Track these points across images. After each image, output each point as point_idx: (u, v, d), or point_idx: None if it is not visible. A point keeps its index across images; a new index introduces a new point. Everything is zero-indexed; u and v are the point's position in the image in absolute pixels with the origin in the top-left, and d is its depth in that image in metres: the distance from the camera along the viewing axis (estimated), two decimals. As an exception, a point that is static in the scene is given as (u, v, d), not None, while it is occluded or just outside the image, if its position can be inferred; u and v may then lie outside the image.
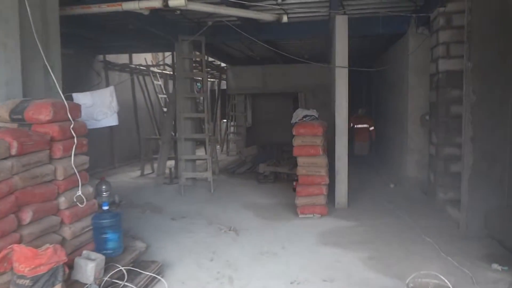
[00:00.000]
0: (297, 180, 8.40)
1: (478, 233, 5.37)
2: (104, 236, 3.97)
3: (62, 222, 3.73)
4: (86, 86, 11.12)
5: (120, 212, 4.24)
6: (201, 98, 14.97)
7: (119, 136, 12.76)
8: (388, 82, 10.32)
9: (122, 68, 12.55)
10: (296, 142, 6.48)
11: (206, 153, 10.45)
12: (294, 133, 6.51)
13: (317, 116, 6.76)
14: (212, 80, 18.61)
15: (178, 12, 7.72)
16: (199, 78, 14.69)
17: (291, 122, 7.02)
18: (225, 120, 17.38)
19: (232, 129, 16.15)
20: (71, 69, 11.46)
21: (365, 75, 14.89)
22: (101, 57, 11.93)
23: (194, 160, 9.51)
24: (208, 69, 14.86)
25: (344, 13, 7.22)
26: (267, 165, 10.04)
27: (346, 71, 6.93)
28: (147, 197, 8.20)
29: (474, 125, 5.31)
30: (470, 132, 5.34)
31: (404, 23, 8.41)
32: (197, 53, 9.63)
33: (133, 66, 12.41)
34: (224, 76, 15.86)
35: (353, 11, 7.66)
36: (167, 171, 10.04)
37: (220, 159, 13.26)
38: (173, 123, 10.61)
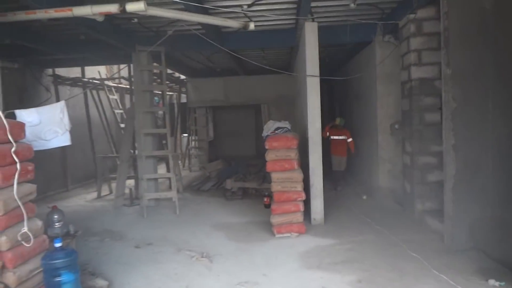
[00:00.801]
0: (267, 196, 8.01)
1: (464, 245, 5.14)
2: (58, 279, 3.32)
3: (3, 267, 3.07)
4: (33, 102, 10.19)
5: (74, 251, 3.58)
6: (161, 112, 14.44)
7: (72, 155, 11.83)
8: (354, 92, 10.17)
9: (74, 82, 11.69)
10: (269, 156, 6.05)
11: (169, 171, 9.85)
12: (266, 147, 6.08)
13: (289, 128, 6.38)
14: (171, 93, 17.94)
15: (135, 20, 7.17)
16: (158, 92, 14.07)
17: (262, 135, 6.60)
18: (186, 135, 16.74)
19: (193, 143, 15.54)
20: (15, 84, 10.61)
21: (327, 85, 14.82)
22: (50, 71, 11.04)
23: (156, 179, 8.85)
24: (168, 82, 14.23)
25: (313, 20, 6.94)
26: (234, 181, 9.54)
27: (317, 80, 6.61)
28: (106, 222, 7.47)
29: (455, 133, 5.11)
30: (452, 140, 5.12)
31: (371, 32, 8.28)
32: (156, 64, 9.06)
33: (86, 80, 11.57)
34: (183, 89, 15.27)
35: (321, 19, 7.40)
36: (126, 191, 9.31)
37: (183, 175, 12.60)
38: (132, 139, 9.92)
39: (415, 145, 6.62)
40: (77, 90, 12.03)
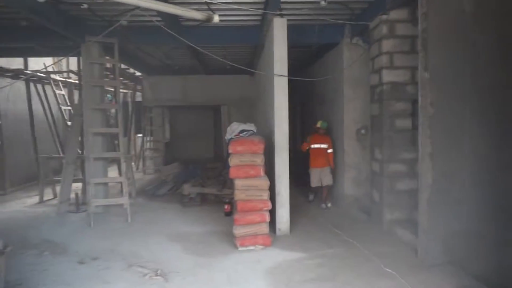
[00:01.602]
0: (228, 203, 7.48)
1: (439, 259, 4.85)
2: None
3: None
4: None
5: None
6: (113, 110, 13.46)
7: (11, 154, 10.73)
8: (319, 95, 9.83)
9: (16, 74, 10.59)
10: (233, 161, 5.52)
11: (120, 174, 9.08)
12: (230, 151, 5.56)
13: (255, 131, 5.88)
14: (125, 91, 16.97)
15: (85, 6, 6.42)
16: (110, 89, 13.16)
17: (225, 138, 6.06)
18: (140, 135, 15.86)
19: (148, 144, 14.71)
20: None
21: (289, 87, 14.49)
22: (-13, 61, 9.93)
23: (106, 183, 8.07)
24: (121, 79, 13.34)
25: (282, 16, 6.51)
26: (192, 186, 8.91)
27: (285, 80, 6.17)
28: (46, 231, 6.64)
29: (432, 140, 4.82)
30: (429, 148, 4.83)
31: (338, 33, 7.98)
32: (108, 58, 8.29)
33: (29, 72, 10.51)
34: (139, 87, 14.41)
35: (289, 17, 6.98)
36: (72, 195, 8.44)
37: (136, 178, 11.80)
38: (80, 139, 9.06)
39: (385, 152, 6.34)
40: (20, 84, 10.96)
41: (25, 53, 10.03)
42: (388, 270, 4.70)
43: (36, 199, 9.34)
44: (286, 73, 6.14)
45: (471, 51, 4.69)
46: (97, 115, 7.72)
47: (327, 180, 7.99)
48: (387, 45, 6.30)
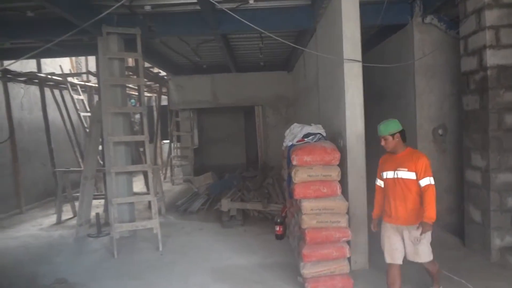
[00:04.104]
0: (280, 223, 6.09)
1: None
2: None
3: None
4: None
5: None
6: (137, 115, 12.20)
7: (28, 168, 9.64)
8: (375, 90, 8.27)
9: (29, 79, 9.49)
10: (298, 176, 4.12)
11: (147, 187, 7.83)
12: (294, 162, 4.15)
13: (324, 134, 4.45)
14: (149, 95, 15.82)
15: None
16: (133, 93, 11.99)
17: (284, 144, 4.67)
18: (166, 141, 14.64)
19: (176, 151, 13.45)
20: None
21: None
22: (-3, 64, 8.85)
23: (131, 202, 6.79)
24: (145, 80, 12.13)
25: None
26: (231, 201, 7.56)
27: (359, 66, 4.72)
28: (60, 266, 5.40)
29: None
30: None
31: (406, 11, 6.55)
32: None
33: (42, 75, 9.38)
34: (164, 90, 13.17)
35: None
36: (93, 214, 7.21)
37: (164, 190, 10.54)
38: (100, 148, 7.86)
39: (492, 158, 4.81)
40: (36, 90, 9.87)
41: (38, 54, 8.85)
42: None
43: (53, 218, 8.17)
44: (359, 57, 4.69)
45: None
46: (119, 120, 6.46)
47: (422, 253, 3.69)
48: (490, 16, 4.78)
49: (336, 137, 5.05)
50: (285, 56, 10.74)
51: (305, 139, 4.45)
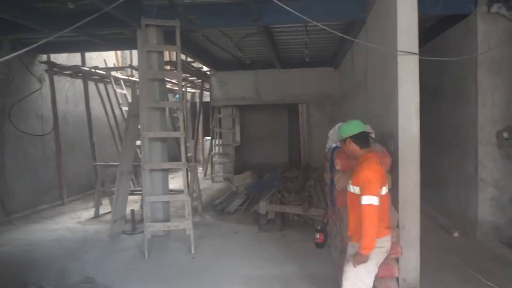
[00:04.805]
0: (321, 231, 5.63)
1: None
2: None
3: None
4: (20, 96, 8.16)
5: None
6: (178, 110, 12.00)
7: (72, 161, 9.73)
8: (432, 86, 7.50)
9: (75, 72, 9.58)
10: (341, 183, 3.65)
11: (184, 187, 7.60)
12: (337, 166, 3.69)
13: (373, 136, 3.94)
14: (193, 91, 15.75)
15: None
16: (177, 88, 11.91)
17: (327, 146, 4.21)
18: (208, 138, 14.49)
19: (217, 148, 13.25)
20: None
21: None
22: (44, 57, 8.94)
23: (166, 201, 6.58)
24: (187, 75, 12.00)
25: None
26: (270, 203, 7.17)
27: (415, 60, 4.17)
28: (90, 264, 5.24)
29: None
30: None
31: (467, 0, 5.86)
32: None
33: (86, 69, 9.43)
34: (206, 86, 13.00)
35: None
36: (128, 210, 7.09)
37: (203, 187, 10.35)
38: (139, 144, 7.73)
39: None
40: (80, 82, 9.96)
41: (82, 47, 8.90)
42: None
43: (92, 212, 8.16)
44: (416, 49, 4.14)
45: None
46: (156, 115, 6.25)
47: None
48: None
49: (386, 139, 4.52)
50: (331, 52, 10.19)
51: (351, 140, 3.96)
